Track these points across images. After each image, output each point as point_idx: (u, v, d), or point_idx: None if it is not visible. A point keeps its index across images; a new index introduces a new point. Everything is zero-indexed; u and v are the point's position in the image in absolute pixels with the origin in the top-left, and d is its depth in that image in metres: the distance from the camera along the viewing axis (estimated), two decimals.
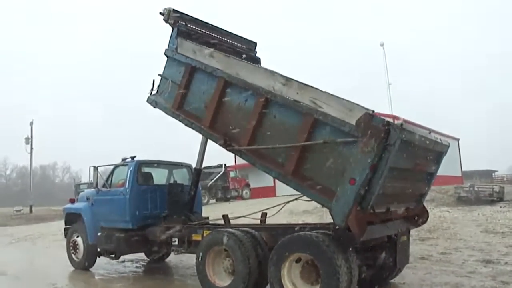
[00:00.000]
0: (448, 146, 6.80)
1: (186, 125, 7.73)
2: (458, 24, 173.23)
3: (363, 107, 5.43)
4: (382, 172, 5.19)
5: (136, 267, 11.00)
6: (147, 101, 8.54)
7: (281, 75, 6.41)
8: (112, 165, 10.02)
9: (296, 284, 5.95)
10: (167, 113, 8.14)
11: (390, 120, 5.56)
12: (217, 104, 7.14)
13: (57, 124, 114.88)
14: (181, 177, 10.29)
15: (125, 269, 10.71)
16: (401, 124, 5.21)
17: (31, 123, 43.84)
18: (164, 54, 8.27)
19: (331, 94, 5.83)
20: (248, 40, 9.46)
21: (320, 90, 5.96)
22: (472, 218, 15.34)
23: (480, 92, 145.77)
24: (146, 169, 9.76)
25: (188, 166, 10.42)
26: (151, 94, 8.48)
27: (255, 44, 9.59)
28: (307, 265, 5.86)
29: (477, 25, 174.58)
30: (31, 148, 43.64)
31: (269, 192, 34.90)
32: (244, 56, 8.55)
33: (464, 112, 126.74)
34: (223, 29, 8.99)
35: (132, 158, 9.57)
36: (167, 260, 11.33)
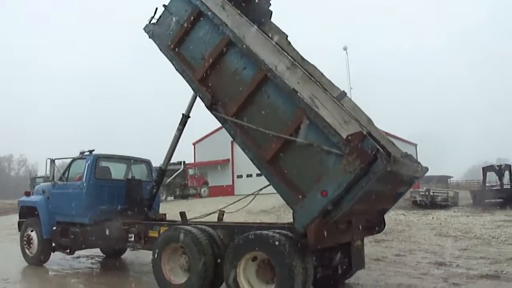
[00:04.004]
0: (425, 172, 6.75)
1: (177, 69, 7.18)
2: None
3: (360, 125, 5.30)
4: (355, 194, 5.09)
5: (92, 263, 10.81)
6: (144, 29, 7.81)
7: (288, 58, 6.11)
8: (69, 158, 9.79)
9: (252, 283, 5.93)
10: (161, 49, 7.49)
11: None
12: (214, 60, 6.64)
13: (14, 115, 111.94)
14: (139, 173, 10.16)
15: (80, 265, 10.51)
16: (389, 155, 5.00)
17: None
18: None
19: (332, 98, 5.67)
20: None
21: (323, 89, 5.81)
22: (426, 222, 15.84)
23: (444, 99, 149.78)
24: (104, 163, 9.58)
25: (146, 162, 10.33)
26: (150, 22, 7.78)
27: None
28: (263, 264, 5.85)
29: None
30: None
31: (228, 191, 35.02)
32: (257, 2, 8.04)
33: (423, 118, 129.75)
34: None
35: (90, 151, 9.39)
36: (123, 256, 11.21)
